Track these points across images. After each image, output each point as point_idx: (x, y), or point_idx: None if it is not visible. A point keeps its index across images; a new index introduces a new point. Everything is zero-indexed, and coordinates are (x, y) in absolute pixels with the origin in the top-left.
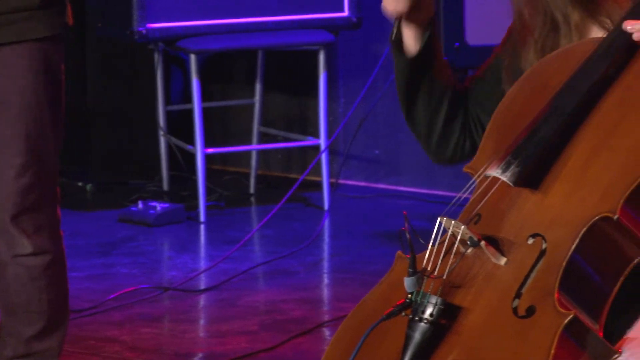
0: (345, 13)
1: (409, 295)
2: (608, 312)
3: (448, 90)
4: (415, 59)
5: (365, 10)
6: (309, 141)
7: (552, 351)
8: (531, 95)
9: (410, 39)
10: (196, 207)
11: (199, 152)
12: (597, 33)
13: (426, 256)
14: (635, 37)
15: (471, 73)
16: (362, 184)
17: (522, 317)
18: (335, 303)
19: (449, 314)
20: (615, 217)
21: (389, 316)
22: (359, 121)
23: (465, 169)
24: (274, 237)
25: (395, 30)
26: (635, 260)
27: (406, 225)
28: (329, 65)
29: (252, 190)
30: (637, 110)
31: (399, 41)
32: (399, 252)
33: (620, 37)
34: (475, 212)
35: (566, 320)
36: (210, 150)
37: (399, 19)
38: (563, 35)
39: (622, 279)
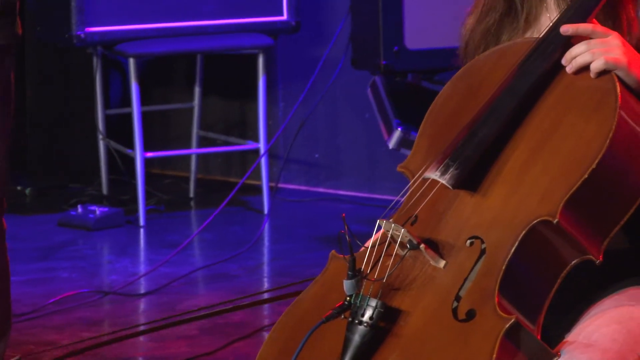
0: (284, 17)
1: (348, 298)
2: (546, 314)
3: None
4: None
5: (303, 14)
6: (248, 145)
7: (494, 356)
8: (465, 94)
9: None
10: (136, 211)
11: (139, 156)
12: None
13: (365, 259)
14: (568, 32)
15: (410, 77)
16: (302, 187)
17: (463, 320)
18: (274, 307)
19: (388, 317)
20: (555, 220)
21: (328, 319)
22: (298, 125)
23: (399, 168)
24: (213, 241)
25: None
26: (573, 263)
27: (345, 227)
28: (268, 69)
29: (191, 194)
30: (576, 111)
31: None
32: (333, 251)
33: (559, 37)
34: (413, 214)
35: (507, 325)
36: (149, 154)
37: None
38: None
39: (559, 281)
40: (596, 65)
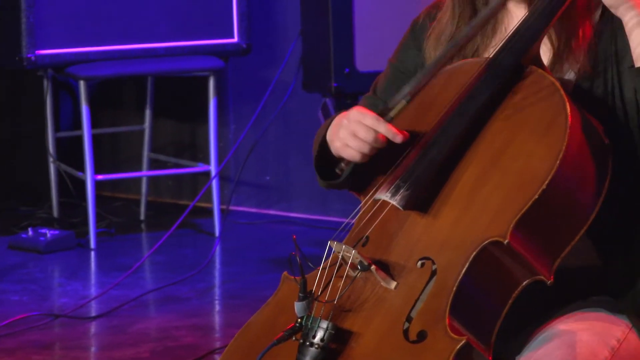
0: (235, 39)
1: (299, 320)
2: (497, 335)
3: None
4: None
5: (254, 36)
6: (199, 167)
7: None
8: (416, 115)
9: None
10: (86, 233)
11: (89, 178)
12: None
13: (316, 280)
14: None
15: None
16: (253, 210)
17: (414, 342)
18: (226, 329)
19: (339, 338)
20: (506, 241)
21: (279, 341)
22: (249, 147)
23: (350, 190)
24: (164, 264)
25: (345, 173)
26: (524, 284)
27: (296, 249)
28: (219, 91)
29: (142, 216)
30: (526, 131)
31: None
32: (285, 273)
33: (508, 58)
34: (363, 235)
35: (458, 346)
36: (100, 177)
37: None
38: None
39: (511, 302)
40: None
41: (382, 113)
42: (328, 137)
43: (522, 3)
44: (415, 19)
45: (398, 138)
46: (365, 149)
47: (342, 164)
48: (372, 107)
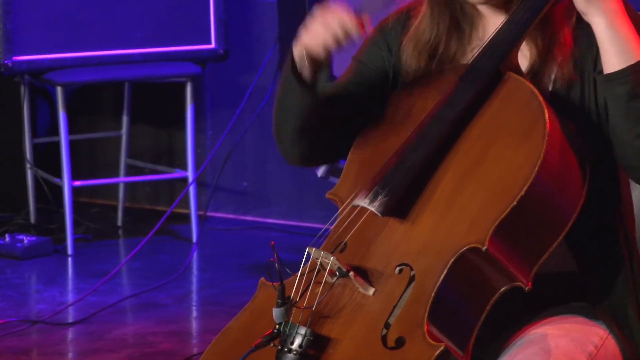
0: (212, 45)
1: (277, 326)
2: (475, 341)
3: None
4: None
5: (232, 42)
6: (176, 173)
7: None
8: (394, 121)
9: (309, 72)
10: (64, 240)
11: (66, 184)
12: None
13: (294, 287)
14: None
15: None
16: (231, 216)
17: (392, 348)
18: (204, 335)
19: (318, 344)
20: (484, 248)
21: (258, 347)
22: (226, 153)
23: (328, 195)
24: (142, 270)
25: (304, 62)
26: (502, 290)
27: (274, 255)
28: (196, 97)
29: (119, 222)
30: (505, 137)
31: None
32: (262, 279)
33: (486, 65)
34: (341, 241)
35: (437, 353)
36: (77, 183)
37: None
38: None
39: (488, 308)
40: None
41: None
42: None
43: (500, 10)
44: (383, 21)
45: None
46: (330, 35)
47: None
48: None
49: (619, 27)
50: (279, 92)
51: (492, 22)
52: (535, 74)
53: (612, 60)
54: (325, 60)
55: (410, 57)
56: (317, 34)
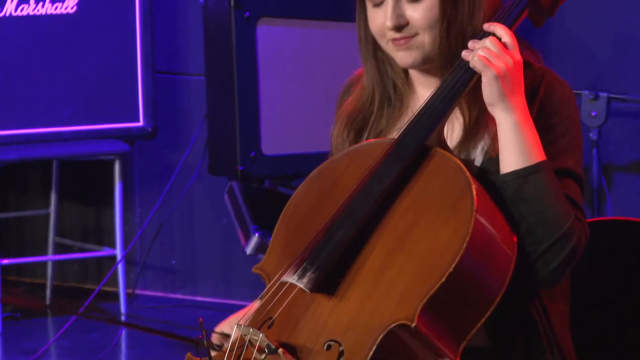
0: (141, 123)
1: None
2: None
3: None
4: None
5: (160, 119)
6: (105, 251)
7: None
8: (319, 195)
9: None
10: None
11: None
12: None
13: None
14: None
15: (267, 182)
16: (159, 294)
17: None
18: None
19: None
20: (414, 325)
21: None
22: (155, 230)
23: (254, 270)
24: (71, 348)
25: None
26: None
27: (202, 332)
28: (124, 174)
29: (48, 301)
30: (432, 213)
31: None
32: (189, 354)
33: (412, 140)
34: (269, 317)
35: None
36: (5, 261)
37: None
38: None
39: None
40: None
41: None
42: None
43: (430, 79)
44: (343, 87)
45: None
46: None
47: None
48: None
49: (523, 126)
50: None
51: (422, 97)
52: (467, 145)
53: (512, 159)
54: None
55: (338, 131)
56: None
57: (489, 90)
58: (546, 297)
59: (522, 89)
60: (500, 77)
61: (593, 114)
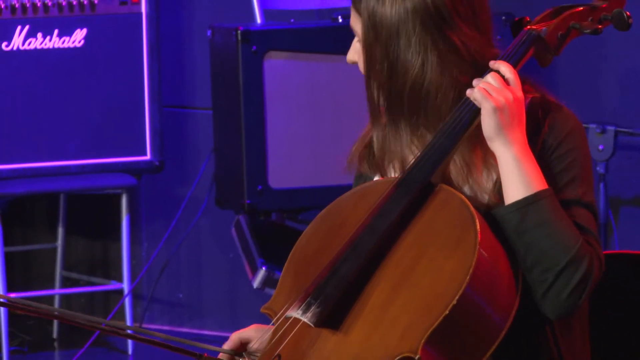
0: (148, 157)
1: None
2: None
3: None
4: None
5: (167, 153)
6: (112, 285)
7: None
8: (328, 233)
9: None
10: None
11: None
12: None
13: None
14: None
15: (274, 216)
16: (166, 327)
17: None
18: None
19: None
20: (417, 357)
21: None
22: (162, 264)
23: (262, 310)
24: None
25: None
26: None
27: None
28: (131, 208)
29: (55, 334)
30: (436, 247)
31: None
32: None
33: (418, 176)
34: (275, 353)
35: None
36: (12, 295)
37: None
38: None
39: None
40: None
41: None
42: None
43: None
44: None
45: None
46: None
47: None
48: None
49: (523, 159)
50: None
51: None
52: (473, 182)
53: (513, 192)
54: None
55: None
56: None
57: (487, 123)
58: (560, 328)
59: (523, 125)
60: (498, 110)
61: (600, 147)
